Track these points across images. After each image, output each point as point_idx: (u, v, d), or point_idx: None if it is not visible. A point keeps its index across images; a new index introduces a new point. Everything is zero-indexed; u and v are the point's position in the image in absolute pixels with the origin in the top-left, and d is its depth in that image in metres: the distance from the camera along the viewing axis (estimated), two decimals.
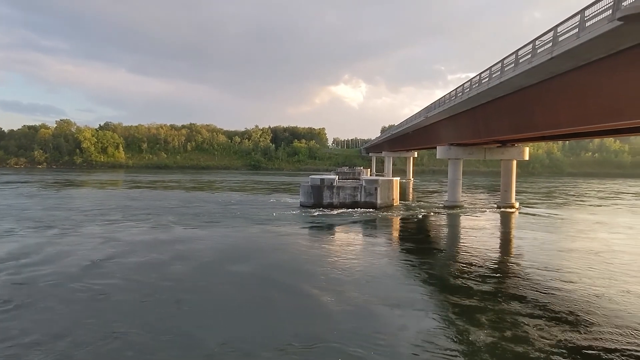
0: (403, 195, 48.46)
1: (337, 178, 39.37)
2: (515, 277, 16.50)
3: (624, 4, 13.00)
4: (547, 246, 22.57)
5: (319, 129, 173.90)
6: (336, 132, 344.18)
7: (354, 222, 29.74)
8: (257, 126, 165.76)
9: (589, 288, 14.79)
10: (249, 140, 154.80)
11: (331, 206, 36.26)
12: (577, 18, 15.98)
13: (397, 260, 19.00)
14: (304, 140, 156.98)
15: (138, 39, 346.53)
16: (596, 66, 16.75)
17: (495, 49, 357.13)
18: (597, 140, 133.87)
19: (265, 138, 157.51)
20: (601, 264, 18.37)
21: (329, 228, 27.33)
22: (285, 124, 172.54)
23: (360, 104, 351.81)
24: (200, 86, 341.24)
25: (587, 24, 15.34)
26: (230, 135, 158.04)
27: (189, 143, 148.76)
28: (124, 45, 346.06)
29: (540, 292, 14.23)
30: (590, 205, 43.57)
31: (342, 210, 34.93)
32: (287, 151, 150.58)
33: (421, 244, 23.71)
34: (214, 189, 58.28)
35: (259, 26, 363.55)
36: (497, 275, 16.70)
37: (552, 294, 14.10)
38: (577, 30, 15.87)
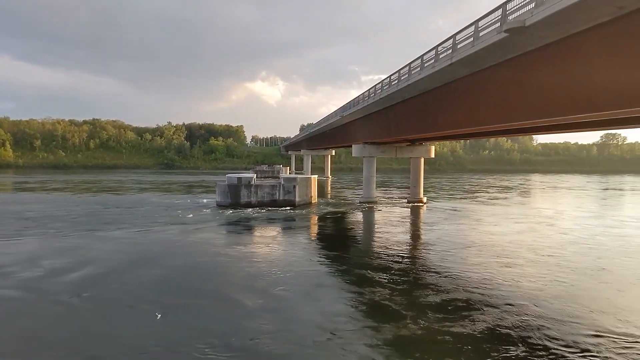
0: (321, 193, 49.42)
1: (255, 176, 38.86)
2: (405, 264, 17.75)
3: (510, 17, 14.51)
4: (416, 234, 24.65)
5: (237, 126, 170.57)
6: (255, 130, 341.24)
7: (272, 221, 29.59)
8: (170, 123, 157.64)
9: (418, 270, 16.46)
10: (161, 138, 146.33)
11: (249, 205, 35.71)
12: (472, 28, 17.48)
13: (313, 257, 19.20)
14: (221, 138, 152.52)
15: (26, 22, 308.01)
16: (488, 73, 18.47)
17: (406, 53, 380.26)
18: (492, 140, 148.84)
19: (179, 135, 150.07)
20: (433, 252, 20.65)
21: (246, 227, 26.88)
22: (200, 121, 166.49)
23: (278, 101, 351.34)
24: (106, 79, 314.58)
25: (481, 34, 16.86)
26: (140, 132, 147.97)
27: (92, 140, 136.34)
28: (7, 28, 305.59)
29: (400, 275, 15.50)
30: (463, 198, 48.40)
31: (260, 209, 34.57)
32: (203, 149, 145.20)
33: (337, 239, 24.34)
34: (121, 190, 54.07)
35: (170, 18, 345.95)
36: (399, 263, 17.81)
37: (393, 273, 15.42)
38: (472, 39, 17.37)
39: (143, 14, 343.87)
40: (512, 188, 65.71)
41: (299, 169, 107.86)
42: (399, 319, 11.62)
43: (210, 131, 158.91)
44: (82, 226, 25.89)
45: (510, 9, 14.51)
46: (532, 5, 12.94)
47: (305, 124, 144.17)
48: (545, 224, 29.62)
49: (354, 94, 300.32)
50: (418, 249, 22.09)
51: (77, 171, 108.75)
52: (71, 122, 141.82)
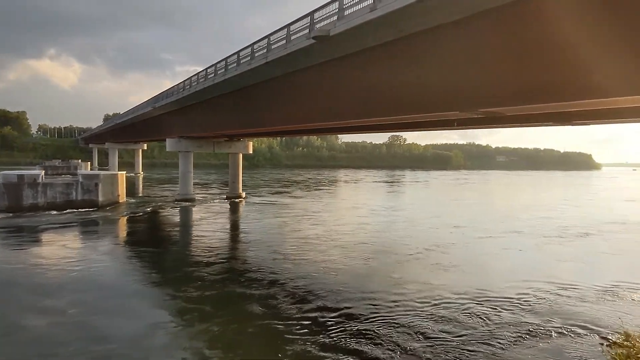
0: (132, 191, 44.76)
1: (43, 173, 32.43)
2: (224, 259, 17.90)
3: (318, 26, 15.77)
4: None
5: (18, 112, 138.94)
6: (43, 118, 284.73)
7: (67, 226, 25.23)
8: None
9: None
10: None
11: (36, 208, 29.62)
12: (285, 31, 18.34)
13: (118, 267, 17.13)
14: None
15: None
16: (301, 74, 19.66)
17: (225, 47, 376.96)
18: (305, 137, 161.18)
19: None
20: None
21: (27, 237, 22.04)
22: None
23: (75, 86, 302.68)
24: None
25: (293, 37, 17.84)
26: None
27: None
28: None
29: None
30: (276, 193, 52.21)
31: (51, 213, 29.09)
32: None
33: (150, 241, 22.36)
34: None
35: None
36: (218, 260, 17.70)
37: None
38: (285, 41, 18.24)
39: None
40: (299, 182, 71.49)
41: (104, 164, 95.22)
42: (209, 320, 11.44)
43: None
44: None
45: (318, 18, 15.73)
46: (335, 18, 14.37)
47: (111, 114, 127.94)
48: (305, 218, 31.14)
49: (168, 84, 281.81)
50: (223, 247, 22.27)
51: None
52: None
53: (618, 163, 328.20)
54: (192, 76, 31.87)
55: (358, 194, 55.55)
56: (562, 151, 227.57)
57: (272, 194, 49.34)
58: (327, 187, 62.99)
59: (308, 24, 16.40)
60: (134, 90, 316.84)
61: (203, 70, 29.20)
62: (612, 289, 14.61)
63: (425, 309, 12.43)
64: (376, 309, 12.41)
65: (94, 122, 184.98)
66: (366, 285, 14.74)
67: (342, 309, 12.34)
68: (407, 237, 24.50)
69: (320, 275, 16.02)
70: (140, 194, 46.15)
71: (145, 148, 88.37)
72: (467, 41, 10.94)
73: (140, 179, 71.91)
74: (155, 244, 21.80)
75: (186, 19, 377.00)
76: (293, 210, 35.05)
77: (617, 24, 8.08)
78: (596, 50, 8.38)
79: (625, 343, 9.66)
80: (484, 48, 10.69)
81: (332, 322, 11.26)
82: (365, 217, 31.91)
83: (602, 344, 10.14)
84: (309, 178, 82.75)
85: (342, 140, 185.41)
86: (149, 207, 34.27)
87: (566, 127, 19.36)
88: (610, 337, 10.39)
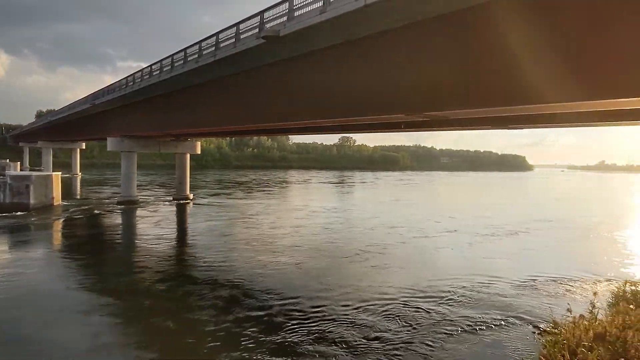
0: (68, 193, 42.01)
1: None
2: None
3: (267, 26, 15.66)
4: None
5: None
6: None
7: None
8: None
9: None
10: None
11: None
12: (234, 29, 18.03)
13: (40, 276, 15.68)
14: None
15: None
16: (251, 74, 19.39)
17: (171, 44, 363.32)
18: (255, 138, 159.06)
19: None
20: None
21: None
22: None
23: (2, 79, 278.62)
24: None
25: (242, 36, 17.58)
26: None
27: None
28: None
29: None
30: (224, 194, 51.52)
31: None
32: None
33: (82, 249, 20.82)
34: None
35: None
36: (147, 268, 17.23)
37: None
38: (234, 40, 17.93)
39: None
40: (245, 183, 70.44)
41: (37, 164, 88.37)
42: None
43: None
44: None
45: (268, 18, 15.64)
46: (285, 18, 14.35)
47: (45, 111, 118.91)
48: (241, 221, 30.59)
49: (108, 80, 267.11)
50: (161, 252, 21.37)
51: None
52: None
53: (549, 165, 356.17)
54: (135, 72, 30.44)
55: (303, 195, 55.56)
56: (499, 153, 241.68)
57: (220, 195, 48.24)
58: (273, 189, 62.44)
59: (258, 23, 16.25)
60: (69, 86, 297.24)
61: (148, 67, 28.00)
62: (539, 281, 15.78)
63: (355, 311, 12.33)
64: (302, 314, 12.01)
65: (25, 118, 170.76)
66: (294, 290, 14.27)
67: (264, 317, 11.76)
68: (344, 239, 24.52)
69: (246, 281, 15.32)
70: (78, 196, 43.36)
71: (84, 147, 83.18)
72: (412, 46, 11.36)
73: (79, 180, 67.53)
74: (87, 252, 20.14)
75: (131, 13, 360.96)
76: (238, 212, 34.51)
77: (549, 33, 8.74)
78: (529, 59, 8.99)
79: (554, 331, 10.45)
80: (427, 53, 11.14)
81: (248, 334, 10.60)
82: (305, 219, 31.49)
83: (534, 333, 10.92)
84: (254, 179, 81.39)
85: (293, 141, 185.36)
86: (88, 210, 32.29)
87: (503, 130, 20.65)
88: (540, 326, 11.21)
